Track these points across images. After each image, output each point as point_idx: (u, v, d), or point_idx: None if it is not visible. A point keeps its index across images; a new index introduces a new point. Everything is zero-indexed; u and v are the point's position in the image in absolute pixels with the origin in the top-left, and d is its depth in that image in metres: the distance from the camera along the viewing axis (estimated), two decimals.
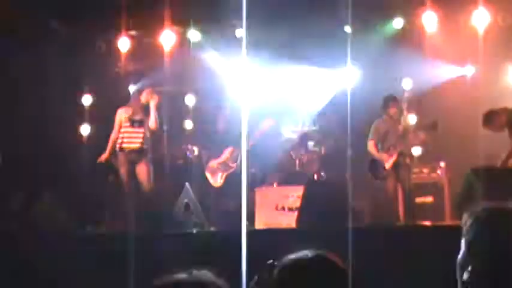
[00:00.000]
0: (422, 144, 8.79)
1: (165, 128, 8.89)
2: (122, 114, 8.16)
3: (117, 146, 8.07)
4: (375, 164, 8.37)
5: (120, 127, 8.12)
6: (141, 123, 8.07)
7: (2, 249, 6.44)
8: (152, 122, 8.02)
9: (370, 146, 8.41)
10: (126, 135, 8.09)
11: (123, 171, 8.03)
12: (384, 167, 8.25)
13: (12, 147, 8.45)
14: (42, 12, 9.06)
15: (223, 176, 8.71)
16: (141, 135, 8.06)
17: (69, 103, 9.73)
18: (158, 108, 8.16)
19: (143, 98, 8.12)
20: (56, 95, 9.42)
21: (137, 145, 8.04)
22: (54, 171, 8.92)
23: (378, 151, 8.35)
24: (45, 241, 6.61)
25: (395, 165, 8.23)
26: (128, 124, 8.10)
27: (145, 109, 8.15)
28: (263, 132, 8.78)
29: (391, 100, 8.45)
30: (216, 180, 8.71)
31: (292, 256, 2.08)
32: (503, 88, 9.27)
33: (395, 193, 8.28)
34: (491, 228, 2.13)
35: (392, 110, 8.40)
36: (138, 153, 8.02)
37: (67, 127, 9.64)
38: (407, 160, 8.37)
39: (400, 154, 8.24)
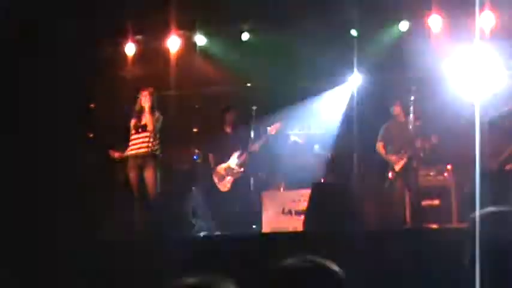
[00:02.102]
0: (433, 147, 8.76)
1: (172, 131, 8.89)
2: (132, 121, 8.22)
3: (127, 152, 8.13)
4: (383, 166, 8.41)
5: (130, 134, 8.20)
6: (145, 128, 8.09)
7: None
8: (147, 123, 8.03)
9: (379, 147, 8.46)
10: (133, 141, 8.14)
11: (132, 176, 8.08)
12: (393, 169, 8.28)
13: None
14: (46, 16, 9.05)
15: (231, 181, 8.71)
16: (146, 139, 8.07)
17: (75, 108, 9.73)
18: (154, 109, 8.10)
19: (142, 102, 8.13)
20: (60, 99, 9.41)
21: (143, 150, 8.06)
22: (55, 173, 8.91)
23: (386, 153, 8.40)
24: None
25: (403, 168, 8.25)
26: (134, 130, 8.14)
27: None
28: (270, 136, 8.79)
29: (397, 103, 8.47)
30: (224, 184, 8.72)
31: (290, 261, 2.03)
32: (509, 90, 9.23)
33: (402, 196, 8.29)
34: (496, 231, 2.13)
35: (399, 113, 8.44)
36: (145, 158, 8.04)
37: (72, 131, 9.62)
38: (415, 163, 8.38)
39: (409, 157, 8.27)
